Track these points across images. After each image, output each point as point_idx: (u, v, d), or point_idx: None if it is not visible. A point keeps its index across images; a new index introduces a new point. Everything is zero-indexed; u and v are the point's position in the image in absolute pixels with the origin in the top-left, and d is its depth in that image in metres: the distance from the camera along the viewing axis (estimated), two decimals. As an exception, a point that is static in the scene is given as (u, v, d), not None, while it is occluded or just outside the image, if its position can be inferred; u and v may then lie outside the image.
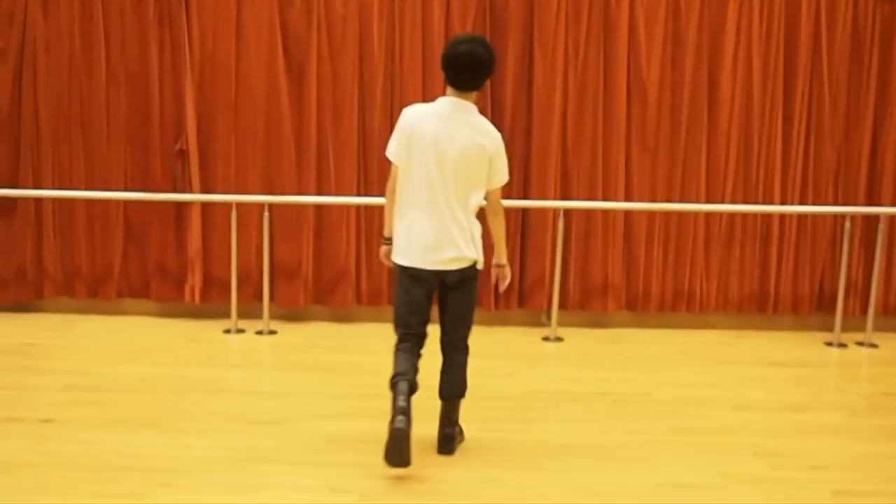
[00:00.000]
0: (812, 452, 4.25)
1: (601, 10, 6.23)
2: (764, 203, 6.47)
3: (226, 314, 6.26)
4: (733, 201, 6.45)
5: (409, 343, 4.05)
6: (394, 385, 3.94)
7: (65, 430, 4.28)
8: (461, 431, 4.25)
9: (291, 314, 6.51)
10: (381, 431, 3.79)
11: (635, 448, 4.25)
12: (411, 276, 3.93)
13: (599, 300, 6.53)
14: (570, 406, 4.85)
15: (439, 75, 6.13)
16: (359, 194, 6.35)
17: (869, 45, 6.34)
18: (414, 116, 3.92)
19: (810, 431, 4.56)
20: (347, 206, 6.35)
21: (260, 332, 6.22)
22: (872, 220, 6.44)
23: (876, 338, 6.40)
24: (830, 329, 6.41)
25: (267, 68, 6.21)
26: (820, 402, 5.06)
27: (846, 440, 4.48)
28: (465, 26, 6.20)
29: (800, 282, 6.60)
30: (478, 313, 6.15)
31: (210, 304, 6.44)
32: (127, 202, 6.34)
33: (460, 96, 3.89)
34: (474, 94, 3.93)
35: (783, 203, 6.47)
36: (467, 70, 3.84)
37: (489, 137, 3.89)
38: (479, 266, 4.00)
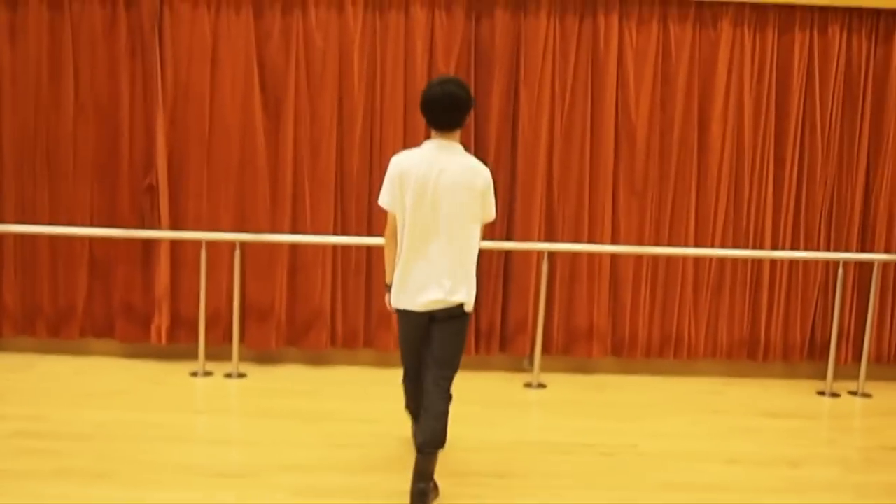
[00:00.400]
0: (809, 512, 4.03)
1: (589, 48, 6.07)
2: (754, 248, 6.29)
3: (193, 356, 5.99)
4: (723, 245, 6.26)
5: (412, 379, 4.15)
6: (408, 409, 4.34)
7: (9, 482, 3.98)
8: (436, 487, 3.99)
9: (263, 356, 6.25)
10: (354, 485, 3.84)
11: (622, 506, 4.01)
12: (406, 318, 3.97)
13: (584, 345, 6.30)
14: (552, 459, 4.59)
15: (419, 113, 6.05)
16: (335, 233, 6.12)
17: (862, 88, 6.21)
18: (402, 163, 3.92)
19: (805, 488, 4.33)
20: (323, 246, 6.11)
21: (229, 376, 5.94)
22: (865, 266, 6.28)
23: (869, 387, 6.20)
24: (822, 377, 6.22)
25: (242, 102, 6.00)
26: (814, 456, 4.83)
27: (843, 497, 4.24)
28: (448, 63, 6.03)
29: (790, 329, 6.40)
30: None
31: (177, 345, 6.16)
32: (92, 238, 6.07)
33: (444, 137, 3.90)
34: (458, 133, 3.94)
35: (774, 248, 6.29)
36: (446, 110, 3.85)
37: (478, 174, 3.90)
38: (468, 309, 3.92)
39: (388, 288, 4.04)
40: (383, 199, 3.99)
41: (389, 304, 4.04)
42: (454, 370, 4.00)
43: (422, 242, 3.83)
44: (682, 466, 4.56)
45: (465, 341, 4.06)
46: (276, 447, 4.60)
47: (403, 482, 3.85)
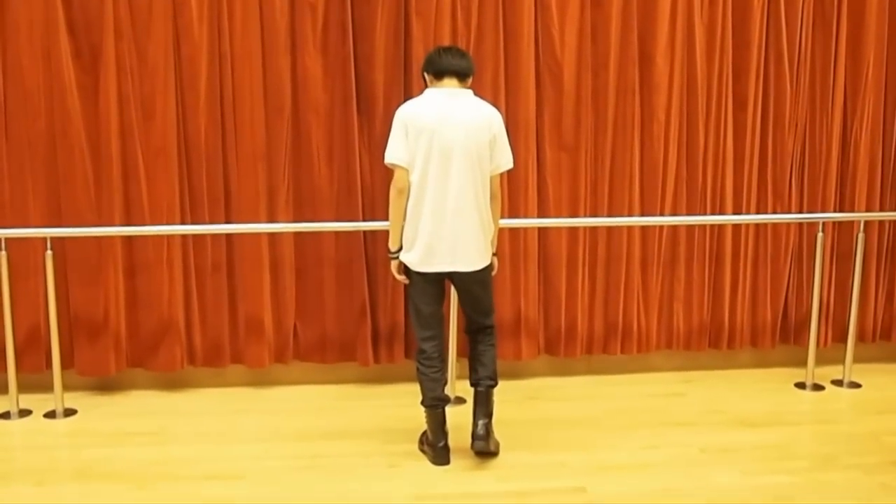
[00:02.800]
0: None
1: (498, -36, 4.76)
2: (713, 212, 5.15)
3: (3, 389, 4.57)
4: (674, 212, 5.10)
5: (438, 346, 3.98)
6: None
7: None
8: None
9: (101, 384, 4.87)
10: None
11: None
12: (427, 281, 3.88)
13: (511, 344, 5.06)
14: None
15: (283, 56, 4.67)
16: (183, 221, 4.73)
17: (836, 7, 5.06)
18: (409, 112, 3.81)
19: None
20: (168, 237, 4.72)
21: (51, 414, 4.55)
22: (844, 228, 5.21)
23: (856, 373, 5.13)
24: (798, 364, 5.22)
25: (45, 53, 4.54)
26: (812, 485, 3.70)
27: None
28: (318, -12, 4.65)
29: (759, 308, 5.30)
30: (351, 369, 4.77)
31: (-17, 377, 4.72)
32: None
33: (456, 86, 3.84)
34: (468, 82, 3.88)
35: (736, 211, 5.14)
36: (456, 54, 3.86)
37: (491, 112, 3.87)
38: (494, 269, 4.04)
39: (393, 254, 3.91)
40: (391, 154, 3.79)
41: (397, 270, 3.95)
42: (494, 312, 4.07)
43: (441, 197, 3.74)
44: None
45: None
46: None
47: None
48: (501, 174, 3.94)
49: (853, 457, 4.06)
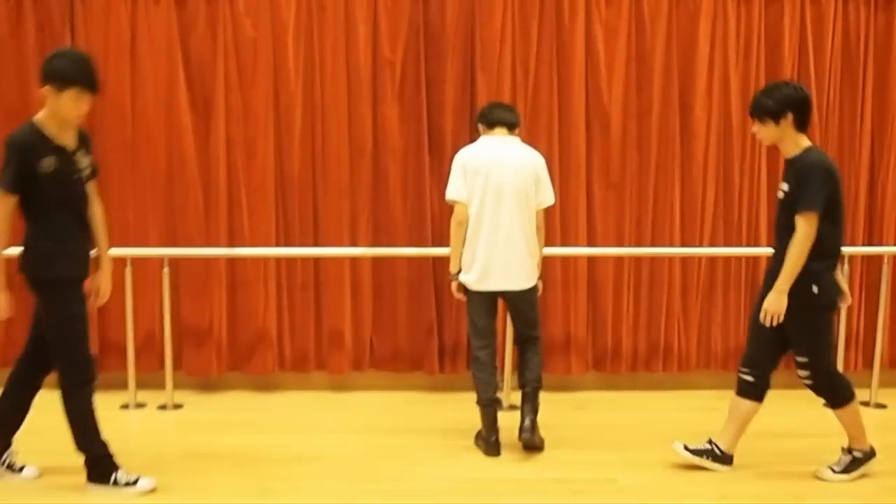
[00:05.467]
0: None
1: (552, 25, 5.43)
2: (748, 245, 5.64)
3: (124, 385, 5.34)
4: (713, 244, 5.62)
5: (493, 353, 4.61)
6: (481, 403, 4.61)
7: None
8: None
9: (203, 384, 5.62)
10: None
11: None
12: (483, 298, 4.50)
13: (562, 360, 5.64)
14: (515, 501, 3.93)
15: (366, 105, 5.40)
16: (278, 244, 5.48)
17: (863, 61, 5.57)
18: (467, 156, 4.46)
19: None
20: (265, 259, 5.47)
21: (163, 407, 5.31)
22: (874, 260, 5.62)
23: (882, 396, 5.53)
24: (830, 388, 5.54)
25: (167, 102, 5.38)
26: (827, 491, 4.14)
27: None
28: (395, 48, 5.39)
29: (793, 334, 5.73)
30: (419, 378, 5.38)
31: (107, 374, 5.43)
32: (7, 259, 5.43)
33: (506, 134, 4.48)
34: (516, 131, 4.51)
35: (770, 244, 5.58)
36: (505, 108, 4.59)
37: (535, 156, 4.50)
38: (539, 290, 4.63)
39: (454, 276, 4.52)
40: (452, 191, 4.43)
41: (457, 290, 4.56)
42: (539, 325, 4.64)
43: (493, 227, 4.38)
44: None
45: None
46: (194, 495, 3.95)
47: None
48: (546, 209, 4.56)
49: (876, 464, 4.48)
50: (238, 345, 5.59)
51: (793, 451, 4.65)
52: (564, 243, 5.50)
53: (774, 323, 4.00)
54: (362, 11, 5.35)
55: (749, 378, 4.22)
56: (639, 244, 5.59)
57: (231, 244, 5.47)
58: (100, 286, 4.05)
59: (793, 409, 5.27)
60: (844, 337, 5.53)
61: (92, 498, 3.92)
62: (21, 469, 4.11)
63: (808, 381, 4.17)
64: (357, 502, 3.89)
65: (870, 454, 4.25)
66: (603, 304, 5.63)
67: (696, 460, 4.28)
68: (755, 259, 5.65)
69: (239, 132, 5.40)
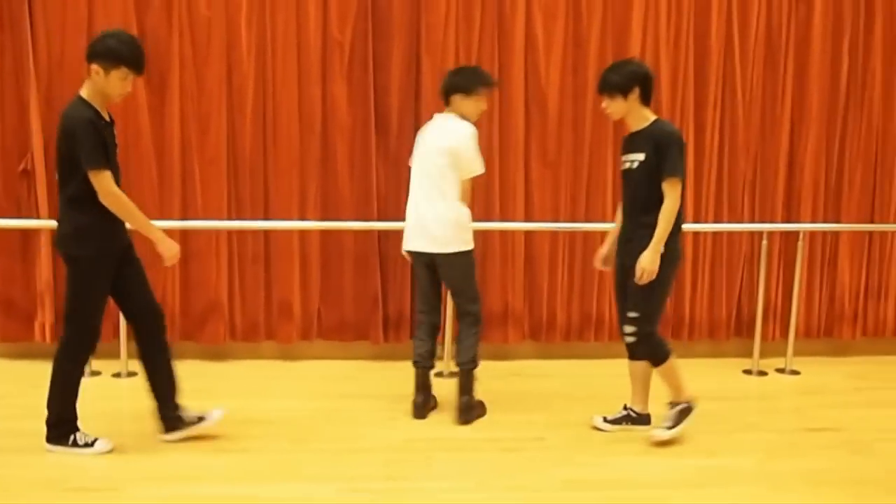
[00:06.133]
0: (718, 507, 3.71)
1: (495, 9, 5.70)
2: (675, 221, 5.95)
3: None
4: (643, 219, 5.92)
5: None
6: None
7: None
8: (482, 404, 4.87)
9: (157, 352, 5.82)
10: (223, 495, 3.68)
11: (515, 510, 3.66)
12: (414, 260, 4.81)
13: (500, 330, 5.97)
14: (448, 457, 4.23)
15: (316, 85, 5.62)
16: (230, 217, 5.70)
17: (784, 49, 5.91)
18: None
19: (719, 480, 4.01)
20: (217, 231, 5.69)
21: (117, 375, 5.53)
22: (791, 236, 6.00)
23: (798, 363, 5.96)
24: (749, 355, 5.95)
25: (122, 78, 5.53)
26: (733, 444, 4.52)
27: (757, 489, 3.93)
28: (344, 30, 5.61)
29: (716, 305, 6.13)
30: (365, 347, 5.65)
31: (61, 343, 5.70)
32: (-35, 229, 5.60)
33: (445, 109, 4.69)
34: (455, 104, 4.64)
35: (696, 220, 5.98)
36: (447, 75, 4.72)
37: (453, 135, 4.57)
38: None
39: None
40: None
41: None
42: (470, 298, 4.75)
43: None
44: (588, 461, 4.24)
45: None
46: (148, 455, 4.19)
47: (280, 492, 3.54)
48: (476, 179, 4.77)
49: (774, 423, 4.89)
50: (190, 315, 5.82)
51: (709, 412, 5.02)
52: (503, 218, 5.80)
53: (647, 280, 4.20)
54: (313, -7, 5.57)
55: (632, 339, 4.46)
56: (573, 220, 5.90)
57: (184, 217, 5.69)
58: (162, 254, 4.20)
59: (712, 375, 5.69)
60: (762, 309, 5.91)
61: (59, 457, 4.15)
62: (202, 418, 4.38)
63: (630, 339, 4.39)
64: (301, 459, 4.17)
65: (692, 404, 4.52)
66: (539, 276, 5.95)
67: (618, 428, 4.63)
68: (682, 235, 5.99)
69: (193, 109, 5.59)
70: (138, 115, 5.57)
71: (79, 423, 4.22)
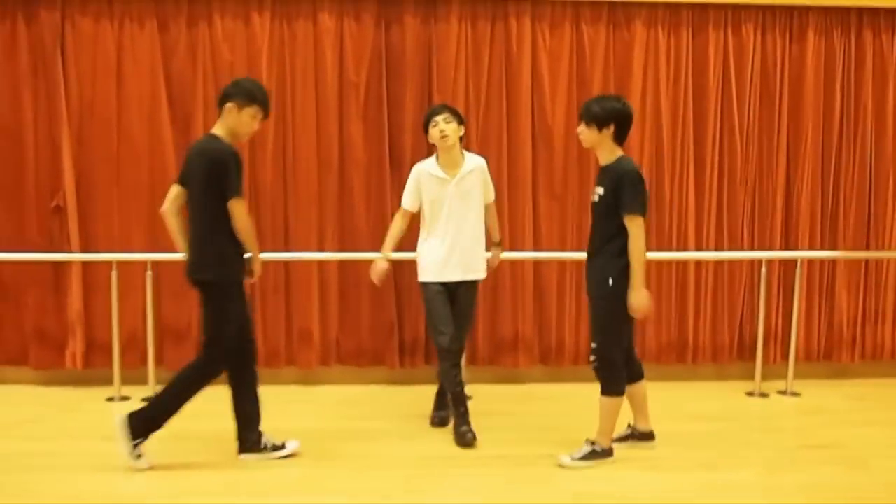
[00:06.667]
0: (718, 517, 3.94)
1: (502, 52, 6.01)
2: (678, 250, 6.23)
3: (110, 380, 5.82)
4: (646, 249, 6.15)
5: None
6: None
7: None
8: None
9: (183, 379, 6.08)
10: None
11: (526, 520, 3.89)
12: None
13: (511, 355, 6.21)
14: (463, 473, 4.47)
15: (333, 123, 5.93)
16: (251, 249, 5.98)
17: (779, 87, 6.19)
18: None
19: (719, 493, 4.24)
20: (240, 262, 5.97)
21: (146, 400, 5.73)
22: (790, 264, 6.24)
23: (798, 385, 6.16)
24: (752, 378, 6.16)
25: (150, 118, 5.87)
26: (734, 459, 4.74)
27: (756, 501, 4.15)
28: (360, 72, 5.93)
29: (719, 330, 6.35)
30: (381, 372, 5.88)
31: (94, 370, 6.00)
32: (1, 263, 5.89)
33: None
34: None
35: (698, 249, 6.24)
36: None
37: None
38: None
39: None
40: None
41: None
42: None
43: None
44: (597, 475, 4.47)
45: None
46: (184, 471, 4.46)
47: None
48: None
49: (774, 441, 5.10)
50: (214, 342, 6.07)
51: (712, 432, 5.24)
52: (513, 248, 6.06)
53: (642, 316, 4.45)
54: (330, 38, 5.88)
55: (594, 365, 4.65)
56: (580, 249, 6.10)
57: (209, 249, 5.95)
58: (257, 271, 4.53)
59: (716, 397, 5.92)
60: (763, 333, 6.13)
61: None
62: (283, 445, 4.64)
63: (593, 364, 4.56)
64: (324, 476, 4.41)
65: (608, 452, 4.63)
66: (548, 304, 6.20)
67: (625, 445, 4.85)
68: (684, 263, 6.26)
69: (216, 147, 5.89)
70: (164, 154, 5.88)
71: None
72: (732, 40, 6.13)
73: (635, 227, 4.31)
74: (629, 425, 4.92)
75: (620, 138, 4.42)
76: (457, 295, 4.97)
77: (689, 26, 6.10)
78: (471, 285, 5.00)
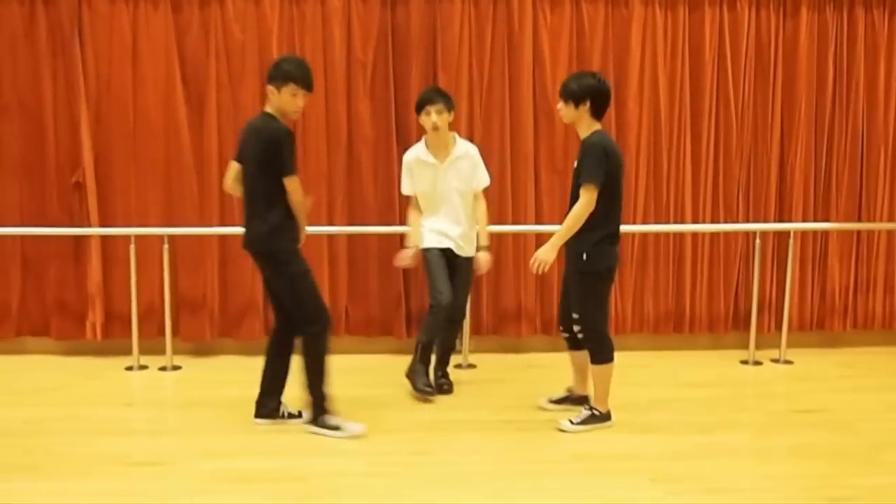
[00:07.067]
0: (711, 475, 4.15)
1: (504, 30, 6.18)
2: (675, 222, 6.43)
3: (129, 350, 6.05)
4: (644, 221, 6.41)
5: None
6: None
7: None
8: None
9: (198, 349, 6.33)
10: (270, 468, 4.20)
11: (529, 477, 4.12)
12: None
13: (514, 325, 6.43)
14: (469, 436, 4.71)
15: (341, 101, 6.12)
16: (264, 223, 6.19)
17: (773, 61, 6.35)
18: None
19: (712, 454, 4.46)
20: (252, 236, 6.18)
21: (163, 368, 6.03)
22: (783, 235, 6.42)
23: (791, 354, 6.37)
24: (746, 347, 6.37)
25: (165, 97, 6.07)
26: (727, 423, 4.97)
27: (747, 461, 4.38)
28: (367, 51, 6.11)
29: (715, 300, 6.56)
30: (389, 342, 6.10)
31: (113, 341, 6.23)
32: (23, 237, 6.13)
33: None
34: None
35: (694, 221, 6.43)
36: None
37: None
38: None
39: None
40: None
41: None
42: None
43: None
44: (596, 437, 4.70)
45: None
46: (202, 435, 4.69)
47: (316, 466, 4.05)
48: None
49: (766, 406, 5.35)
50: (229, 313, 6.31)
51: (707, 398, 5.47)
52: (515, 222, 6.27)
53: (540, 271, 4.66)
54: (338, 17, 6.06)
55: (567, 335, 4.92)
56: (581, 222, 6.34)
57: (222, 223, 6.18)
58: (303, 240, 4.70)
59: (712, 365, 6.15)
60: (758, 303, 6.34)
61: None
62: (299, 414, 4.83)
63: (580, 334, 4.75)
64: (330, 439, 4.65)
65: (606, 416, 4.82)
66: (549, 275, 6.37)
67: (560, 408, 5.06)
68: (681, 235, 6.46)
69: (229, 125, 6.08)
70: (179, 131, 6.08)
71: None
72: (728, 16, 6.29)
73: (587, 195, 4.47)
74: (567, 388, 5.16)
75: (598, 114, 4.56)
76: (455, 265, 5.28)
77: (686, 4, 6.26)
78: (465, 260, 5.32)
